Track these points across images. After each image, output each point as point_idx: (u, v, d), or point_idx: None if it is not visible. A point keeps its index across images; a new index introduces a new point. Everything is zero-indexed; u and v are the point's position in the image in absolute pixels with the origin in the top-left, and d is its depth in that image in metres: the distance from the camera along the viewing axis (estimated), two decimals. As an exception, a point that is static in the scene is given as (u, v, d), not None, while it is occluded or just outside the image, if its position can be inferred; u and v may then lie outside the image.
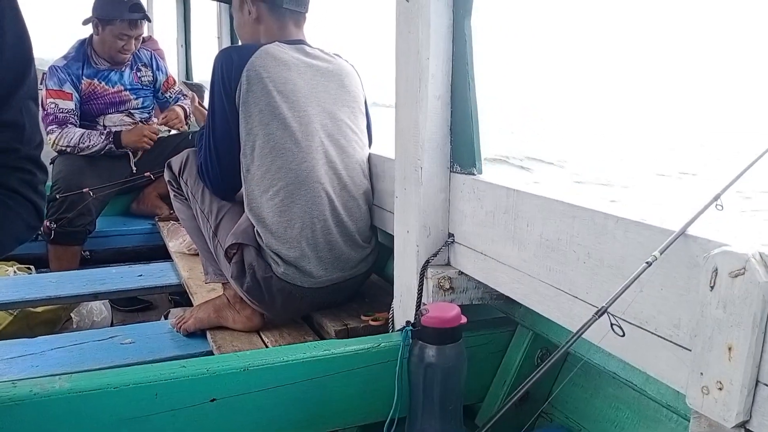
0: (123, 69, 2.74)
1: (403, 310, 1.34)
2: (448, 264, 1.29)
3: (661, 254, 0.78)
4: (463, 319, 1.07)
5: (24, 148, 0.85)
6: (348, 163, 1.59)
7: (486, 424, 0.79)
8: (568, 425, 1.20)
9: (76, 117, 2.62)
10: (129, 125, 2.75)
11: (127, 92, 2.76)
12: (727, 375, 0.71)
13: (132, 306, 2.50)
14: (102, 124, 2.71)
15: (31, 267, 2.35)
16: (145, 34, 2.88)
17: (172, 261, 2.24)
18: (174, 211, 1.89)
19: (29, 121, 0.86)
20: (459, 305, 1.10)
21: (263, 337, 1.54)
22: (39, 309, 2.01)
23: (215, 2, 3.30)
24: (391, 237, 1.40)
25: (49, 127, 2.55)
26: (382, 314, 1.53)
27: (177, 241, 2.32)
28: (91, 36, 2.67)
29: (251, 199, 1.51)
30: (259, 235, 1.49)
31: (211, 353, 1.50)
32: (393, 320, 1.39)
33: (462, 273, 1.25)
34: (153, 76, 2.87)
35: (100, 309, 2.24)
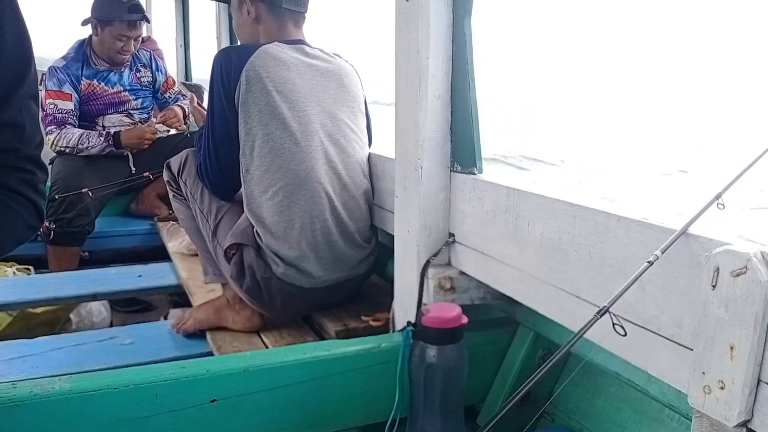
0: (122, 70, 2.74)
1: (403, 311, 1.33)
2: (449, 264, 1.29)
3: (662, 253, 0.78)
4: (464, 319, 1.07)
5: (24, 148, 0.85)
6: (348, 162, 1.58)
7: (487, 424, 0.78)
8: (570, 425, 1.20)
9: (75, 118, 2.61)
10: (128, 126, 2.75)
11: (127, 93, 2.75)
12: (729, 374, 0.70)
13: (131, 307, 2.49)
14: (101, 124, 2.71)
15: (30, 267, 2.34)
16: (144, 34, 2.87)
17: (172, 261, 2.23)
18: (173, 212, 1.89)
19: (29, 120, 0.85)
20: (460, 305, 1.10)
21: (263, 337, 1.54)
22: (38, 310, 2.01)
23: (214, 2, 3.30)
24: (392, 237, 1.40)
25: (48, 128, 2.55)
26: (382, 314, 1.53)
27: (176, 241, 2.32)
28: (91, 37, 2.66)
29: (250, 199, 1.51)
30: (258, 235, 1.49)
31: (211, 354, 1.50)
32: (393, 320, 1.39)
33: (463, 273, 1.25)
34: (152, 77, 2.86)
35: (100, 310, 2.24)
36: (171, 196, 1.79)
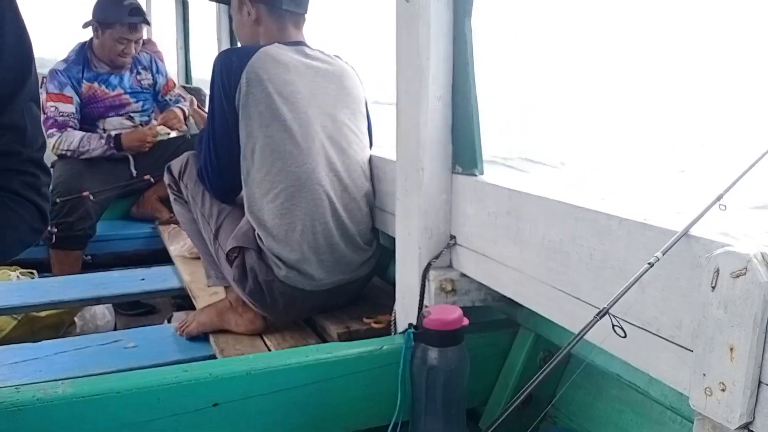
0: (123, 72, 2.74)
1: (405, 313, 1.33)
2: (450, 266, 1.29)
3: (663, 255, 0.78)
4: (466, 321, 1.07)
5: (26, 151, 0.85)
6: (349, 164, 1.59)
7: (489, 427, 0.79)
8: (572, 428, 1.20)
9: (76, 120, 2.62)
10: (129, 128, 2.75)
11: (127, 95, 2.76)
12: (730, 376, 0.71)
13: (135, 310, 2.49)
14: (102, 127, 2.71)
15: (34, 271, 2.35)
16: (144, 36, 2.87)
17: (174, 265, 2.24)
18: (174, 215, 1.89)
19: (31, 123, 0.85)
20: (461, 307, 1.10)
21: (266, 340, 1.54)
22: (43, 313, 2.01)
23: (214, 4, 3.30)
24: (393, 239, 1.40)
25: (49, 131, 2.55)
26: (384, 317, 1.53)
27: (178, 244, 2.32)
28: (92, 39, 2.67)
29: (252, 202, 1.51)
30: (259, 238, 1.49)
31: (214, 357, 1.51)
32: (395, 323, 1.39)
33: (464, 275, 1.25)
34: (153, 79, 2.87)
35: (104, 313, 2.24)
36: (172, 200, 1.80)
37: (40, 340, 1.64)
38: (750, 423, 0.71)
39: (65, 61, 2.65)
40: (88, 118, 2.68)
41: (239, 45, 1.77)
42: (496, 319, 1.35)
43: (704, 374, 0.74)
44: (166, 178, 1.79)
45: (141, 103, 2.82)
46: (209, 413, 1.03)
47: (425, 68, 1.19)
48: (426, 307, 1.23)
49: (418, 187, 1.24)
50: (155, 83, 2.88)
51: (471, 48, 1.18)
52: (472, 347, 1.11)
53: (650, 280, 0.82)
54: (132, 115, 2.79)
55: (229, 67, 1.49)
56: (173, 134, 2.91)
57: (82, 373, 1.41)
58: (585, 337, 0.79)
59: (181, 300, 2.33)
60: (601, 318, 0.78)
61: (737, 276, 0.69)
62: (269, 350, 1.49)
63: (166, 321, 2.05)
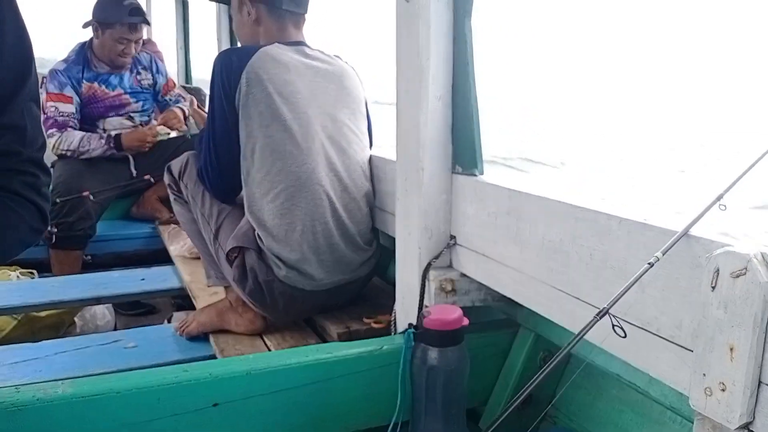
0: (123, 72, 2.74)
1: (405, 313, 1.33)
2: (450, 266, 1.29)
3: (663, 255, 0.78)
4: (465, 321, 1.07)
5: (26, 151, 0.85)
6: (349, 164, 1.59)
7: (489, 426, 0.79)
8: (572, 428, 1.20)
9: (76, 120, 2.62)
10: (129, 128, 2.75)
11: (127, 96, 2.76)
12: (730, 376, 0.71)
13: (135, 310, 2.49)
14: (102, 127, 2.71)
15: (34, 271, 2.35)
16: (144, 36, 2.87)
17: (174, 265, 2.24)
18: (174, 215, 1.89)
19: (31, 123, 0.85)
20: (461, 307, 1.10)
21: (266, 340, 1.54)
22: (43, 313, 2.01)
23: (214, 4, 3.30)
24: (393, 239, 1.40)
25: (49, 131, 2.55)
26: (384, 317, 1.53)
27: (178, 245, 2.32)
28: (92, 39, 2.67)
29: (252, 202, 1.51)
30: (259, 238, 1.49)
31: (214, 357, 1.51)
32: (395, 323, 1.39)
33: (464, 275, 1.25)
34: (153, 79, 2.87)
35: (104, 313, 2.24)
36: (172, 200, 1.80)
37: (40, 340, 1.64)
38: (750, 423, 0.71)
39: (65, 61, 2.65)
40: (88, 118, 2.68)
41: (239, 45, 1.77)
42: (496, 319, 1.35)
43: (704, 374, 0.74)
44: (166, 178, 1.79)
45: (141, 103, 2.82)
46: (209, 413, 1.03)
47: (425, 68, 1.19)
48: (426, 307, 1.23)
49: (418, 187, 1.24)
50: (155, 83, 2.89)
51: (471, 48, 1.18)
52: (472, 347, 1.11)
53: (650, 280, 0.82)
54: (132, 115, 2.79)
55: (229, 67, 1.49)
56: (173, 134, 2.91)
57: (82, 373, 1.41)
58: (585, 337, 0.79)
59: (181, 300, 2.33)
60: (601, 318, 0.78)
61: (737, 276, 0.69)
62: (269, 350, 1.49)
63: (166, 321, 2.05)
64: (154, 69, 2.87)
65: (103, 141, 2.60)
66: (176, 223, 2.33)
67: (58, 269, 2.45)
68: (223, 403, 1.04)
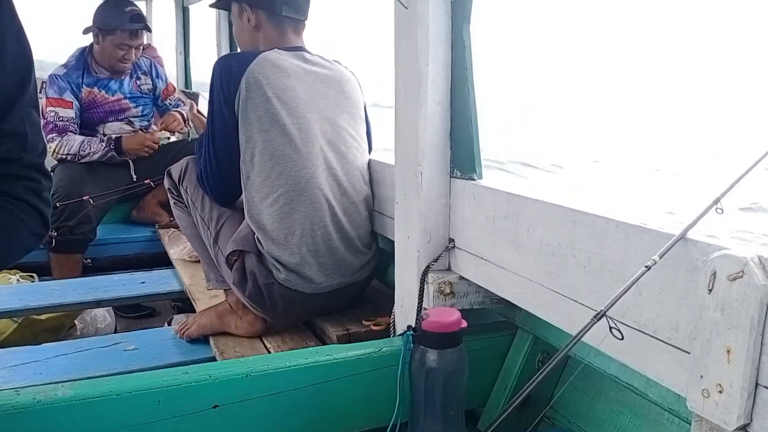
0: (122, 77, 2.75)
1: (404, 315, 1.34)
2: (449, 269, 1.29)
3: (660, 258, 0.78)
4: (464, 324, 1.07)
5: (27, 157, 0.86)
6: (348, 169, 1.59)
7: (488, 427, 0.79)
8: (570, 429, 1.20)
9: (76, 125, 2.62)
10: (128, 133, 2.76)
11: (127, 101, 2.77)
12: (727, 378, 0.71)
13: (135, 313, 2.50)
14: (102, 132, 2.72)
15: (34, 275, 2.35)
16: (144, 41, 2.88)
17: (174, 268, 2.24)
18: (174, 219, 1.89)
19: (31, 129, 0.86)
20: (459, 310, 1.10)
21: (265, 342, 1.55)
22: (43, 316, 2.01)
23: (214, 10, 3.31)
24: (392, 242, 1.40)
25: (49, 136, 2.55)
26: (383, 319, 1.53)
27: (178, 248, 2.33)
28: (92, 45, 2.68)
29: (251, 206, 1.52)
30: (259, 241, 1.50)
31: (214, 359, 1.51)
32: (394, 325, 1.40)
33: (462, 278, 1.26)
34: (152, 84, 2.88)
35: (104, 316, 2.25)
36: (172, 204, 1.80)
37: (40, 343, 1.64)
38: (747, 425, 0.72)
39: (65, 66, 2.66)
40: (88, 123, 2.68)
41: (239, 51, 1.78)
42: (495, 321, 1.36)
43: (701, 376, 0.74)
44: (166, 183, 1.80)
45: (141, 107, 2.83)
46: (209, 415, 1.03)
47: (424, 73, 1.19)
48: (425, 309, 1.23)
49: (417, 192, 1.25)
50: (155, 88, 2.89)
51: (469, 53, 1.19)
52: (470, 349, 1.11)
53: (647, 283, 0.82)
54: (132, 120, 2.80)
55: (229, 72, 1.50)
56: (173, 138, 2.91)
57: (82, 375, 1.41)
58: (583, 339, 0.79)
59: (181, 303, 2.34)
60: (598, 320, 0.78)
61: (734, 279, 0.70)
62: (269, 352, 1.49)
63: (166, 324, 2.06)
64: (154, 74, 2.88)
65: (103, 144, 2.61)
66: (176, 226, 2.34)
67: (58, 273, 2.45)
68: (223, 405, 1.04)
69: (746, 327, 0.69)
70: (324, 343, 1.53)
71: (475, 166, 1.22)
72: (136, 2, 2.72)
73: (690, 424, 0.79)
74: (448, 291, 1.25)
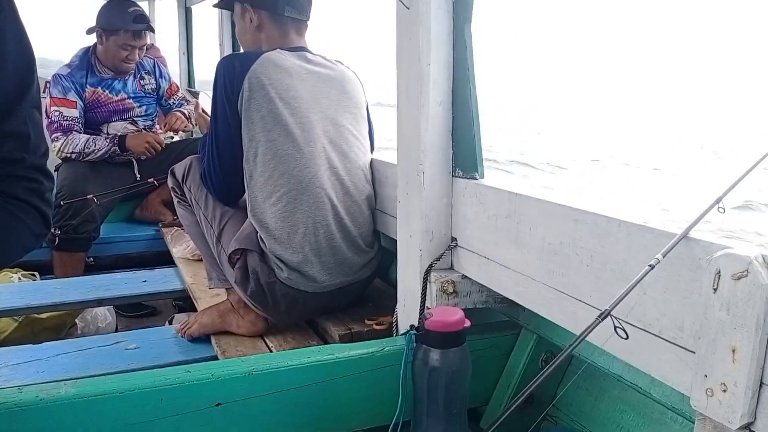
0: (126, 77, 2.75)
1: (406, 314, 1.34)
2: (452, 268, 1.29)
3: (664, 257, 0.78)
4: (467, 323, 1.07)
5: (30, 158, 0.85)
6: (350, 168, 1.59)
7: (491, 426, 0.79)
8: (574, 428, 1.20)
9: (80, 125, 2.63)
10: (132, 133, 2.76)
11: (131, 100, 2.77)
12: (731, 377, 0.71)
13: (136, 312, 2.50)
14: (106, 132, 2.72)
15: (36, 273, 2.35)
16: (148, 41, 2.89)
17: (176, 267, 2.24)
18: (177, 218, 1.90)
19: (34, 129, 0.86)
20: (463, 309, 1.10)
21: (267, 341, 1.55)
22: (44, 315, 2.02)
23: (217, 10, 3.32)
24: (394, 241, 1.40)
25: (54, 135, 2.56)
26: (386, 318, 1.53)
27: (181, 247, 2.33)
28: (95, 45, 2.68)
29: (254, 205, 1.52)
30: (262, 240, 1.50)
31: (215, 358, 1.51)
32: (397, 324, 1.39)
33: (465, 277, 1.26)
34: (156, 84, 2.88)
35: (105, 315, 2.25)
36: (175, 202, 1.80)
37: (41, 342, 1.64)
38: (751, 423, 0.72)
39: (69, 66, 2.66)
40: (92, 123, 2.69)
41: (242, 51, 1.78)
42: (498, 320, 1.36)
43: (706, 375, 0.74)
44: (170, 182, 1.80)
45: (144, 107, 2.83)
46: (211, 413, 1.03)
47: (426, 73, 1.19)
48: (427, 308, 1.23)
49: (419, 191, 1.25)
50: (158, 87, 2.90)
51: (471, 53, 1.19)
52: (473, 349, 1.11)
53: (651, 282, 0.82)
54: (135, 119, 2.80)
55: (232, 72, 1.50)
56: (177, 137, 2.91)
57: (84, 374, 1.41)
58: (587, 338, 0.79)
59: (183, 302, 2.34)
60: (603, 320, 0.78)
61: (738, 278, 0.69)
62: (271, 351, 1.49)
63: (167, 322, 2.06)
64: (157, 73, 2.88)
65: (107, 141, 2.61)
66: (179, 225, 2.34)
67: (60, 271, 2.45)
68: (225, 403, 1.04)
69: (752, 326, 0.69)
70: (326, 343, 1.53)
71: (476, 166, 1.22)
72: (138, 3, 2.72)
73: (693, 423, 0.78)
74: (451, 290, 1.25)
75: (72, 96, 2.59)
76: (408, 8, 1.21)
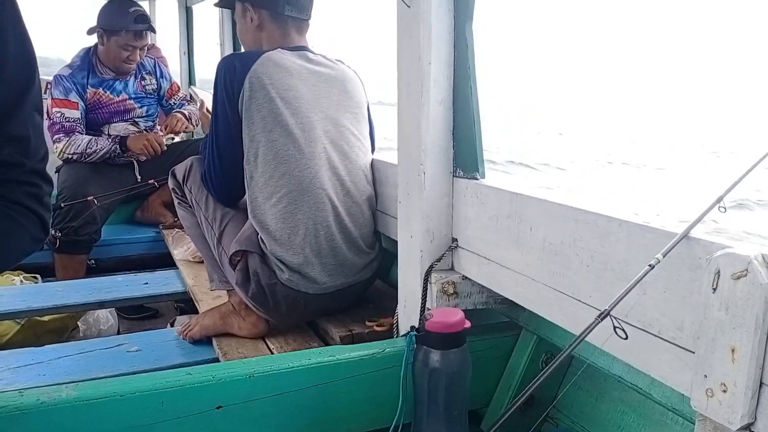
0: (127, 78, 2.75)
1: (407, 316, 1.34)
2: (452, 269, 1.29)
3: (664, 257, 0.78)
4: (467, 324, 1.07)
5: (29, 162, 0.85)
6: (351, 168, 1.59)
7: (491, 426, 0.79)
8: (574, 429, 1.20)
9: (82, 126, 2.63)
10: (134, 134, 2.77)
11: (132, 101, 2.77)
12: (731, 377, 0.71)
13: (138, 314, 2.50)
14: (107, 132, 2.72)
15: (38, 276, 2.36)
16: (149, 42, 2.89)
17: (177, 269, 2.25)
18: (178, 219, 1.90)
19: (34, 133, 0.85)
20: (463, 310, 1.10)
21: (268, 343, 1.55)
22: (46, 318, 2.02)
23: (217, 9, 3.32)
24: (395, 242, 1.40)
25: (56, 136, 2.56)
26: (386, 319, 1.53)
27: (182, 248, 2.33)
28: (96, 45, 2.68)
29: (255, 206, 1.52)
30: (263, 241, 1.50)
31: (217, 360, 1.51)
32: (397, 325, 1.39)
33: (466, 277, 1.25)
34: (157, 84, 2.88)
35: (107, 317, 2.25)
36: (176, 204, 1.80)
37: (43, 345, 1.64)
38: (751, 424, 0.71)
39: (70, 66, 2.66)
40: (93, 124, 2.69)
41: (242, 50, 1.78)
42: (498, 321, 1.36)
43: (705, 375, 0.74)
44: (170, 183, 1.80)
45: (145, 108, 2.83)
46: (212, 416, 1.03)
47: (426, 72, 1.19)
48: (428, 309, 1.23)
49: (420, 191, 1.24)
50: (159, 88, 2.90)
51: (472, 52, 1.19)
52: (474, 350, 1.11)
53: (651, 282, 0.82)
54: (137, 120, 2.81)
55: (232, 72, 1.50)
56: (177, 138, 2.91)
57: (85, 377, 1.42)
58: (587, 339, 0.79)
59: (184, 304, 2.34)
60: (602, 320, 0.78)
61: (738, 278, 0.69)
62: (272, 353, 1.49)
63: (169, 325, 2.06)
64: (158, 73, 2.89)
65: (109, 141, 2.62)
66: (180, 227, 2.34)
67: (62, 274, 2.46)
68: (226, 406, 1.04)
69: (751, 326, 0.68)
70: (327, 344, 1.53)
71: (477, 166, 1.21)
72: (139, 3, 2.72)
73: (693, 424, 0.78)
74: (452, 291, 1.24)
75: (73, 97, 2.59)
76: (409, 6, 1.21)
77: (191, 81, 3.94)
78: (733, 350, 0.70)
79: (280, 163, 1.49)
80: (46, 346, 1.63)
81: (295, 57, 1.57)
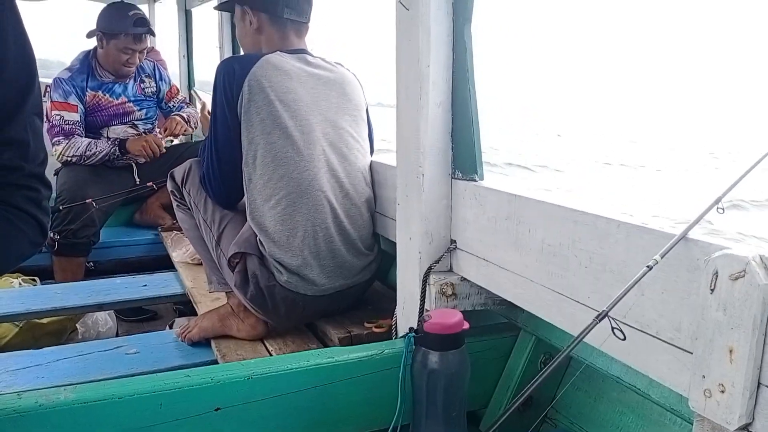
0: (126, 81, 2.76)
1: (406, 317, 1.34)
2: (451, 270, 1.29)
3: (662, 258, 0.78)
4: (466, 325, 1.07)
5: (29, 166, 0.85)
6: (350, 171, 1.59)
7: (490, 428, 0.79)
8: (572, 430, 1.20)
9: (81, 129, 2.63)
10: (133, 137, 2.77)
11: (131, 104, 2.77)
12: (729, 377, 0.71)
13: (137, 316, 2.50)
14: (106, 135, 2.73)
15: (36, 278, 2.35)
16: (148, 45, 2.89)
17: (176, 271, 2.24)
18: (177, 221, 1.90)
19: (34, 137, 0.85)
20: (461, 311, 1.10)
21: (267, 345, 1.55)
22: (44, 320, 2.02)
23: (217, 12, 3.32)
24: (394, 244, 1.40)
25: (55, 139, 2.56)
26: (385, 321, 1.53)
27: (180, 251, 2.33)
28: (95, 48, 2.69)
29: (253, 208, 1.52)
30: (261, 243, 1.50)
31: (215, 362, 1.51)
32: (396, 327, 1.39)
33: (464, 279, 1.26)
34: (156, 87, 2.89)
35: (105, 319, 2.25)
36: (175, 206, 1.81)
37: (41, 347, 1.64)
38: (749, 424, 0.71)
39: (69, 69, 2.67)
40: (92, 127, 2.69)
41: (241, 53, 1.78)
42: (497, 322, 1.36)
43: (703, 376, 0.74)
44: (169, 185, 1.80)
45: (144, 110, 2.84)
46: (211, 418, 1.03)
47: (425, 75, 1.19)
48: (427, 311, 1.23)
49: (419, 193, 1.25)
50: (158, 90, 2.90)
51: (471, 54, 1.19)
52: (472, 351, 1.11)
53: (649, 283, 0.82)
54: (136, 123, 2.81)
55: (231, 74, 1.50)
56: (176, 141, 2.91)
57: (84, 379, 1.41)
58: (585, 339, 0.79)
59: (183, 306, 2.34)
60: (600, 320, 0.78)
61: (736, 278, 0.69)
62: (271, 355, 1.49)
63: (167, 327, 2.06)
64: (158, 76, 2.89)
65: (108, 143, 2.62)
66: (179, 229, 2.34)
67: (60, 276, 2.46)
68: (225, 408, 1.04)
69: (749, 326, 0.68)
70: (326, 346, 1.53)
71: (476, 167, 1.22)
72: (139, 6, 2.73)
73: (692, 424, 0.78)
74: (450, 292, 1.25)
75: (73, 100, 2.60)
76: (407, 9, 1.21)
77: (191, 84, 3.94)
78: (730, 351, 0.70)
79: (279, 166, 1.49)
80: (45, 348, 1.63)
81: (294, 60, 1.57)
